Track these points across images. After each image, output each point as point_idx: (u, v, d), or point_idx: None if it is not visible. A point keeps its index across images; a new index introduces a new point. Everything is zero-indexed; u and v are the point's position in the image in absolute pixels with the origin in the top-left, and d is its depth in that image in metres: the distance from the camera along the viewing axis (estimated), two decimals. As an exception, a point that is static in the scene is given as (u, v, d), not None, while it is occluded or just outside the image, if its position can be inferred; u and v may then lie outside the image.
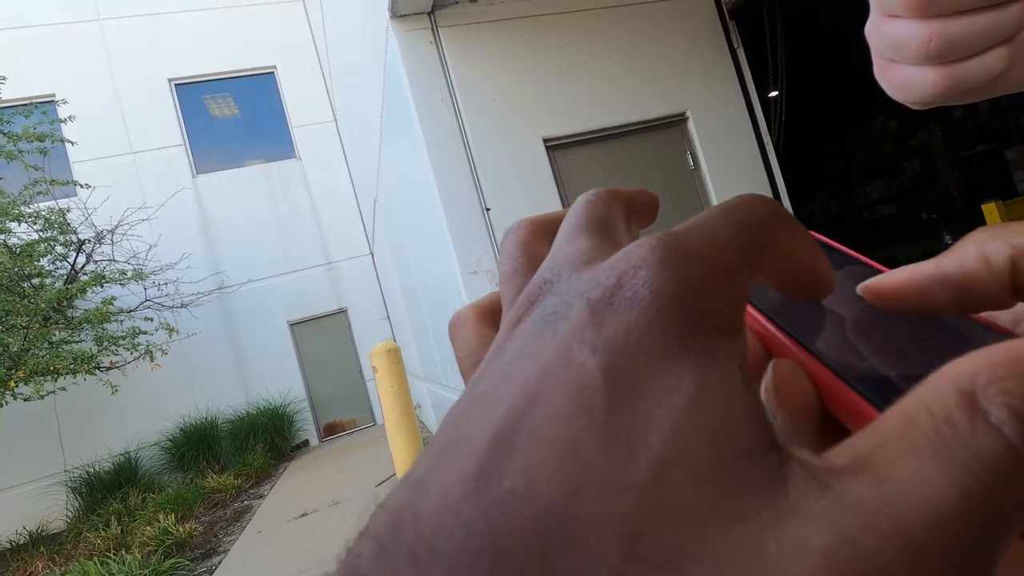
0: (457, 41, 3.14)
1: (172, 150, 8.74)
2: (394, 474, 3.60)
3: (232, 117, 9.43)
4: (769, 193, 3.74)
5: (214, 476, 6.51)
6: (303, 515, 4.73)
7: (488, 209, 3.06)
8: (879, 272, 0.20)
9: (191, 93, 9.06)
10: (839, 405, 0.17)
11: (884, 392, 0.15)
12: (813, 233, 0.25)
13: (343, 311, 9.15)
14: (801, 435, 0.17)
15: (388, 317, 9.01)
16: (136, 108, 8.63)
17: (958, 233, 7.02)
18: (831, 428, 0.17)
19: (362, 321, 9.12)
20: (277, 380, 8.57)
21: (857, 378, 0.16)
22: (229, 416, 8.09)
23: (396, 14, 3.02)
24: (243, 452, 7.46)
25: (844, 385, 0.17)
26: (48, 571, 4.61)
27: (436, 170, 3.01)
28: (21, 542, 6.35)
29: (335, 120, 9.41)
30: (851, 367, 0.17)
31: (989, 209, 4.82)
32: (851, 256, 0.22)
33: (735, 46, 3.83)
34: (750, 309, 0.20)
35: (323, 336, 9.05)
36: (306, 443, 8.62)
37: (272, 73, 9.41)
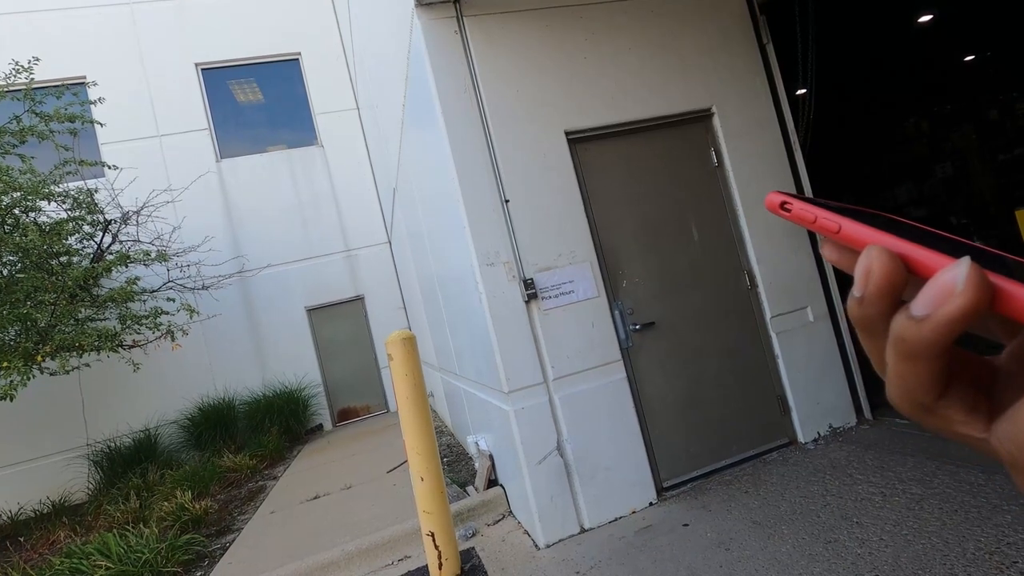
0: (482, 31, 3.12)
1: (197, 134, 8.86)
2: (405, 461, 3.61)
3: (256, 103, 9.52)
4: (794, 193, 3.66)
5: (230, 456, 6.63)
6: (315, 498, 4.80)
7: (507, 201, 3.05)
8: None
9: (217, 78, 9.16)
10: (921, 265, 0.25)
11: (953, 252, 0.25)
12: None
13: (360, 298, 9.23)
14: (886, 301, 0.26)
15: (404, 306, 9.06)
16: (163, 92, 8.76)
17: (991, 240, 6.80)
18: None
19: (378, 309, 9.20)
20: (294, 364, 8.70)
21: (932, 248, 0.26)
22: (246, 398, 8.23)
23: (421, 2, 3.00)
24: (259, 434, 7.58)
25: (924, 249, 0.26)
26: (70, 541, 4.75)
27: (457, 160, 3.01)
28: (44, 512, 6.55)
29: (357, 108, 9.45)
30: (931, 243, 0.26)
31: (1023, 216, 4.68)
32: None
33: (764, 42, 3.75)
34: (856, 224, 0.29)
35: (340, 323, 9.14)
36: (320, 427, 8.74)
37: (297, 60, 9.47)
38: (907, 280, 0.26)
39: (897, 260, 0.26)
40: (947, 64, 8.07)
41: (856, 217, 0.29)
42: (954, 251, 0.25)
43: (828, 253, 0.31)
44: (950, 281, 0.23)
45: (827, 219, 0.30)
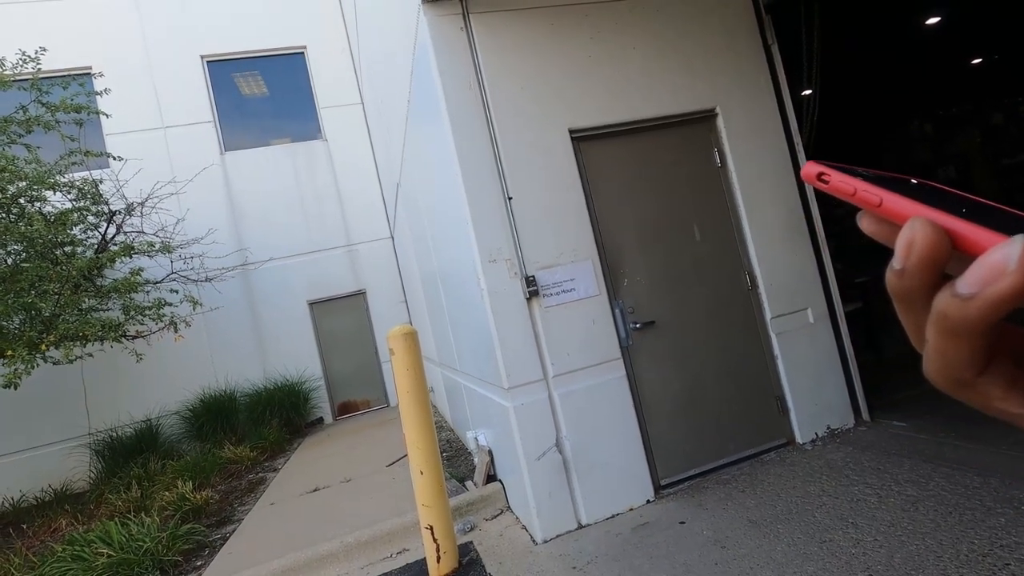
0: (488, 28, 3.12)
1: (202, 126, 8.88)
2: (405, 455, 3.64)
3: (261, 96, 9.53)
4: (796, 195, 3.67)
5: (231, 447, 6.67)
6: (315, 490, 4.84)
7: (511, 198, 3.06)
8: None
9: (222, 71, 9.17)
10: (968, 241, 0.24)
11: (1002, 227, 0.24)
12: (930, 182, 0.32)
13: (362, 293, 9.26)
14: (928, 275, 0.25)
15: (406, 301, 9.09)
16: (168, 84, 8.78)
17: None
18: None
19: (380, 304, 9.22)
20: (295, 357, 8.73)
21: (980, 223, 0.24)
22: (247, 390, 8.28)
23: (428, -2, 3.01)
24: (259, 426, 7.63)
25: (971, 224, 0.24)
26: (72, 528, 4.79)
27: (461, 157, 3.02)
28: (46, 499, 6.60)
29: (362, 103, 9.46)
30: (976, 218, 0.25)
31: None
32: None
33: (769, 42, 3.75)
34: (899, 197, 0.28)
35: (341, 317, 9.17)
36: (320, 420, 8.78)
37: (302, 53, 9.47)
38: (951, 254, 0.25)
39: (942, 233, 0.25)
40: (952, 67, 8.05)
41: (898, 188, 0.28)
42: (1006, 227, 0.24)
43: (866, 225, 0.30)
44: (1001, 260, 0.22)
45: (868, 192, 0.28)
